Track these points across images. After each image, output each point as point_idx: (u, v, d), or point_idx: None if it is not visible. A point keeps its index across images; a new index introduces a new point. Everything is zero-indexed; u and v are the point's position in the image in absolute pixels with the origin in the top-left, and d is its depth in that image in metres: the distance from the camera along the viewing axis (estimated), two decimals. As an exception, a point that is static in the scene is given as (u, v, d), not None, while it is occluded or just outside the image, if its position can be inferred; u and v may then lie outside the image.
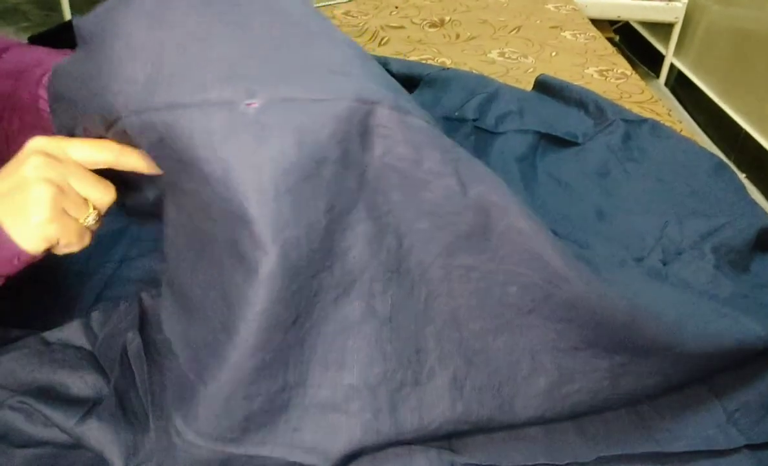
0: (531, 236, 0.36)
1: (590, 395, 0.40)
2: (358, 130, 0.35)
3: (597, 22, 1.49)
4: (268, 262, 0.33)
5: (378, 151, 0.36)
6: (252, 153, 0.33)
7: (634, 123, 0.73)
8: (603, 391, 0.40)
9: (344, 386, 0.37)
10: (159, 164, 0.36)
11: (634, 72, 1.01)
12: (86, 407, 0.38)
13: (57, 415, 0.38)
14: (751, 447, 0.40)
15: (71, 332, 0.44)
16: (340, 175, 0.35)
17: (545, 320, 0.38)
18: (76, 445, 0.38)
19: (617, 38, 2.09)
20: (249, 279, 0.33)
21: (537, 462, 0.38)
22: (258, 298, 0.33)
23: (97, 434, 0.37)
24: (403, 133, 0.36)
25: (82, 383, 0.41)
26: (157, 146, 0.35)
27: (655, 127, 0.73)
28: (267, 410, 0.36)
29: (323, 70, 0.36)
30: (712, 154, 0.69)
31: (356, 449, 0.37)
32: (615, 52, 1.11)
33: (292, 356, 0.36)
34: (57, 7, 2.25)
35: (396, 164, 0.36)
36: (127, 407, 0.39)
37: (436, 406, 0.38)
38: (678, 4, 1.95)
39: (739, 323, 0.43)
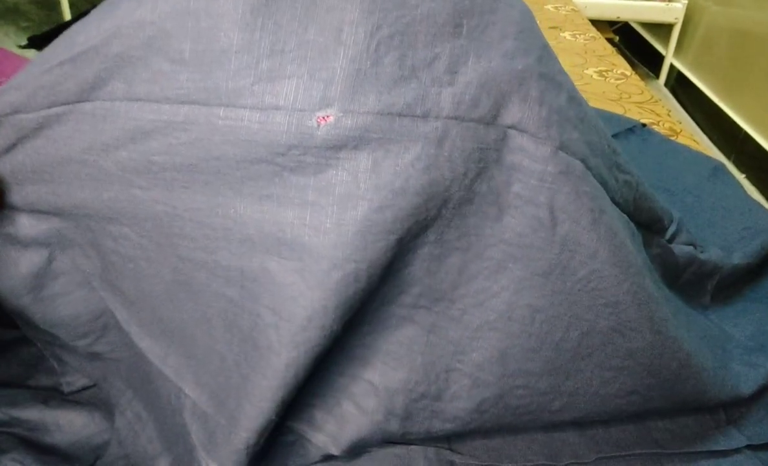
0: (614, 285, 0.34)
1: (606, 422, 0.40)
2: None
3: (596, 23, 1.49)
4: (312, 303, 0.31)
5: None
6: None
7: (621, 133, 0.72)
8: (618, 417, 0.39)
9: (364, 380, 0.36)
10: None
11: (633, 72, 1.01)
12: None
13: None
14: (753, 448, 0.40)
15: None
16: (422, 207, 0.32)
17: (596, 367, 0.36)
18: None
19: (617, 39, 2.09)
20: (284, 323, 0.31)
21: (537, 462, 0.38)
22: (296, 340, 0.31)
23: None
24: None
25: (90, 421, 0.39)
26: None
27: (645, 133, 0.72)
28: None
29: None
30: (709, 158, 0.68)
31: (359, 445, 0.37)
32: (614, 52, 1.10)
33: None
34: (57, 7, 2.25)
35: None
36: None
37: (449, 422, 0.37)
38: (678, 5, 1.95)
39: (757, 369, 0.42)
